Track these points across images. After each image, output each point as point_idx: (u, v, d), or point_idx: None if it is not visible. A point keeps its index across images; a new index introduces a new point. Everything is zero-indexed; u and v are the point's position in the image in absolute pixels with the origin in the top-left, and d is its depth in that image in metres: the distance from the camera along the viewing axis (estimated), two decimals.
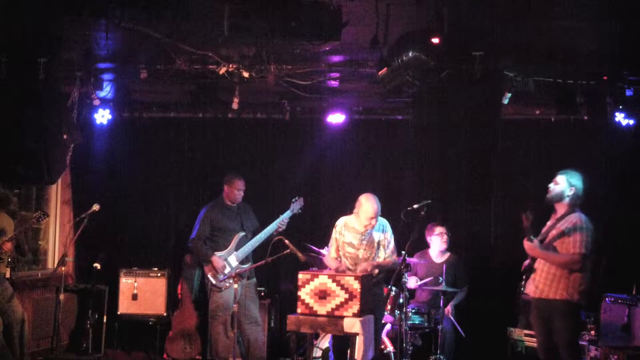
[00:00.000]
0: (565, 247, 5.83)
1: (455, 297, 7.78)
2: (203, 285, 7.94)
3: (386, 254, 6.63)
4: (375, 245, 6.61)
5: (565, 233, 5.82)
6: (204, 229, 7.54)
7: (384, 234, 6.63)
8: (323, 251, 7.40)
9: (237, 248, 7.51)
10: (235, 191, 7.60)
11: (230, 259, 7.47)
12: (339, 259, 6.68)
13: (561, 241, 5.85)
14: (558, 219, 5.94)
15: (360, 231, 6.59)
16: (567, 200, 5.91)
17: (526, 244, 5.98)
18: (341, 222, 6.74)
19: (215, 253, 7.45)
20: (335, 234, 6.73)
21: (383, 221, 6.69)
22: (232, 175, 7.66)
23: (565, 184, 5.93)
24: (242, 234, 7.56)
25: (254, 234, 7.60)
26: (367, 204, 6.52)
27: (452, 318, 7.61)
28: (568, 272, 5.80)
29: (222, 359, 7.46)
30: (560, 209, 5.96)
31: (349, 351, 6.18)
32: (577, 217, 5.86)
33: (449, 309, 7.66)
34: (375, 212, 6.50)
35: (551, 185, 6.01)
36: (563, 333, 5.84)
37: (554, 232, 5.91)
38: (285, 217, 7.56)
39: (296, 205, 7.63)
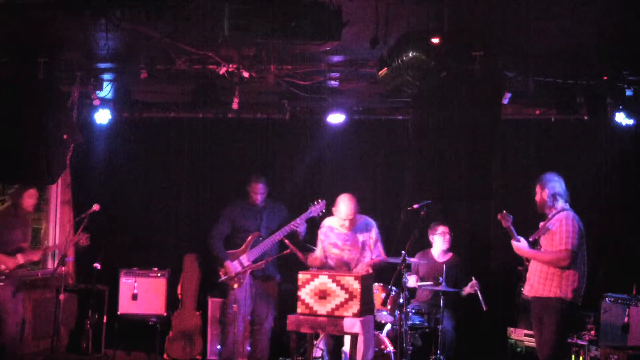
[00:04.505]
0: (552, 245, 5.89)
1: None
2: (203, 285, 7.92)
3: (373, 254, 6.65)
4: (360, 245, 6.63)
5: (553, 231, 5.91)
6: (223, 227, 7.57)
7: (369, 234, 6.66)
8: None
9: (251, 247, 7.50)
10: (253, 194, 7.59)
11: (242, 259, 7.47)
12: (325, 260, 6.78)
13: (549, 239, 5.94)
14: (549, 219, 6.06)
15: (341, 232, 6.63)
16: (550, 202, 6.07)
17: (514, 244, 6.05)
18: (325, 223, 6.82)
19: (229, 251, 7.47)
20: (320, 235, 6.78)
21: (368, 221, 6.72)
22: (252, 178, 7.66)
23: (539, 191, 6.12)
24: (257, 233, 7.54)
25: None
26: (342, 204, 6.65)
27: (477, 289, 7.39)
28: (560, 270, 5.84)
29: (226, 359, 7.46)
30: (551, 210, 6.09)
31: (349, 351, 6.18)
32: (563, 215, 5.96)
33: (474, 281, 7.41)
34: (348, 212, 6.58)
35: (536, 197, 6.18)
36: (550, 330, 5.86)
37: (543, 231, 6.02)
38: (301, 218, 7.38)
39: (315, 209, 7.40)
